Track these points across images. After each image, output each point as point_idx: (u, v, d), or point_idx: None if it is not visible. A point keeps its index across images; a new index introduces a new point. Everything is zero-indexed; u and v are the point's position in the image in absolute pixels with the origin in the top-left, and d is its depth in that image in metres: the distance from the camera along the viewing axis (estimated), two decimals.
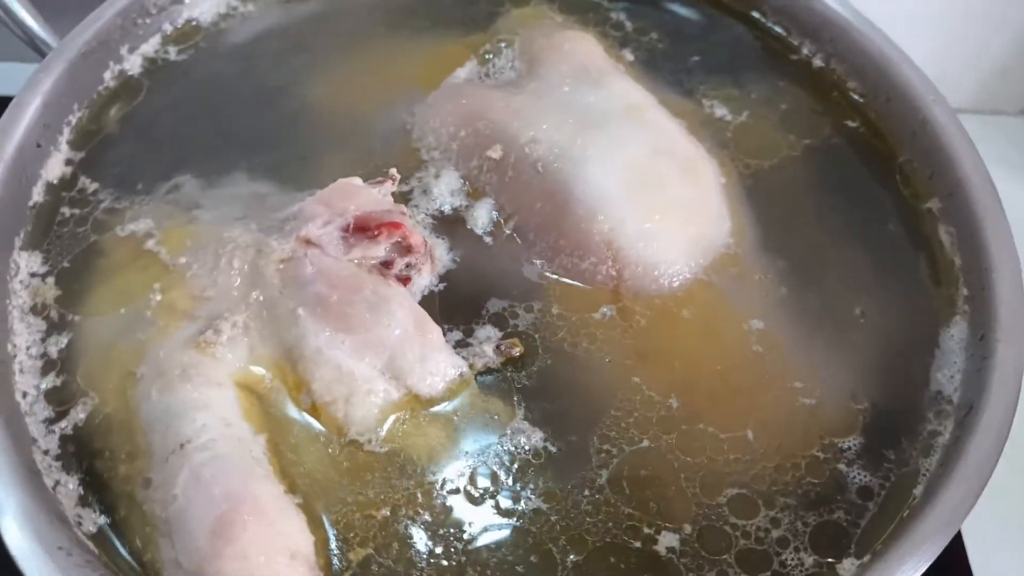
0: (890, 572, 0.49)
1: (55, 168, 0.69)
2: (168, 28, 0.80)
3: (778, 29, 0.83)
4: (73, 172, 0.70)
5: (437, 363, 0.58)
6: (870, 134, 0.76)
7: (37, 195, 0.68)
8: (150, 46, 0.79)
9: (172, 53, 0.79)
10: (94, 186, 0.69)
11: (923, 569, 0.49)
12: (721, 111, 0.78)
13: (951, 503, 0.52)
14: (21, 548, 0.47)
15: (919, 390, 0.61)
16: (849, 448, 0.59)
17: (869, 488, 0.57)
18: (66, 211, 0.68)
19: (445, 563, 0.53)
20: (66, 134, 0.71)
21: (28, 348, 0.60)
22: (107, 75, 0.75)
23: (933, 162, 0.72)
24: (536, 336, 0.62)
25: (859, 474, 0.57)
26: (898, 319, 0.66)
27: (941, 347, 0.64)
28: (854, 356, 0.63)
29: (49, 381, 0.59)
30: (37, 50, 0.74)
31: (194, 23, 0.81)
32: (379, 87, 0.78)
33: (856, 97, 0.79)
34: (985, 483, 0.52)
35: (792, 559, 0.54)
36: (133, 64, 0.77)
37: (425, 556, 0.53)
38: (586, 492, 0.56)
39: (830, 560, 0.54)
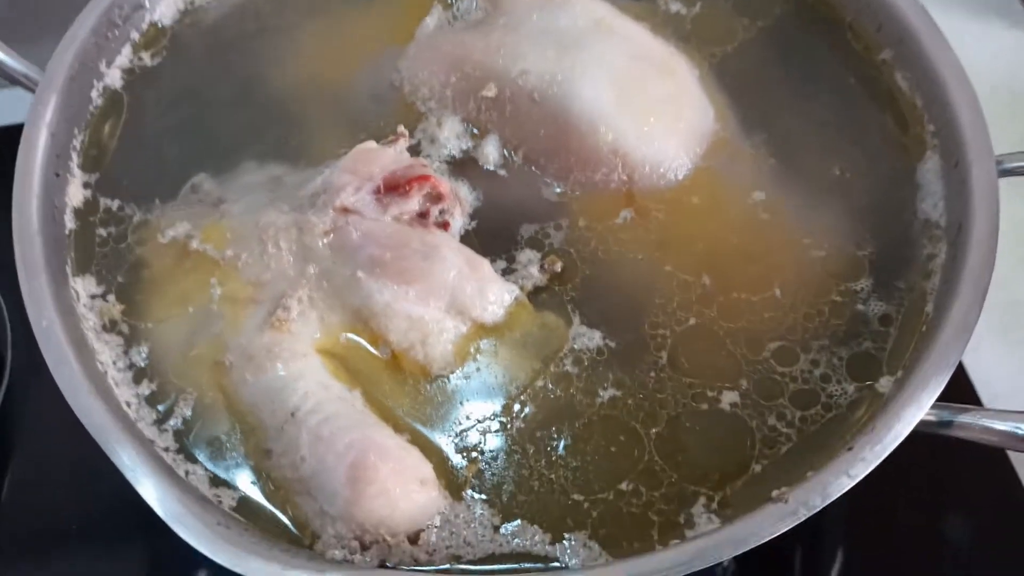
0: (926, 378, 0.58)
1: (76, 194, 0.72)
2: (135, 36, 0.81)
3: None
4: (93, 194, 0.73)
5: (493, 292, 0.64)
6: (816, 1, 0.82)
7: (70, 223, 0.70)
8: (124, 57, 0.80)
9: (146, 59, 0.81)
10: (116, 203, 0.72)
11: (951, 370, 0.58)
12: (676, 6, 0.83)
13: (961, 311, 0.60)
14: (188, 532, 0.53)
15: (910, 223, 0.69)
16: (862, 289, 0.66)
17: (887, 315, 0.65)
18: (102, 232, 0.70)
19: (547, 459, 0.60)
20: (75, 159, 0.73)
21: (114, 363, 0.64)
22: (94, 94, 0.77)
23: (878, 15, 0.78)
24: (571, 250, 0.68)
25: (876, 306, 0.66)
26: (877, 165, 0.73)
27: (920, 181, 0.71)
28: (848, 207, 0.71)
29: (144, 388, 0.63)
30: (22, 85, 0.75)
31: (158, 25, 0.82)
32: (354, 51, 0.81)
33: None
34: (986, 289, 0.61)
35: (836, 390, 0.62)
36: (114, 78, 0.79)
37: (529, 458, 0.60)
38: (651, 374, 0.63)
39: (868, 383, 0.62)
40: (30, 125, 0.70)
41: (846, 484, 0.53)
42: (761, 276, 0.67)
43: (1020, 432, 0.56)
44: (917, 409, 0.56)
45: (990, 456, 0.80)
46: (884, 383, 0.62)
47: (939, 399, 0.58)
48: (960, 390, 0.83)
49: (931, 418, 0.58)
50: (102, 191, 0.73)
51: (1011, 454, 0.80)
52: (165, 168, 0.75)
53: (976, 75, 0.72)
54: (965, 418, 0.58)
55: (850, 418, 0.61)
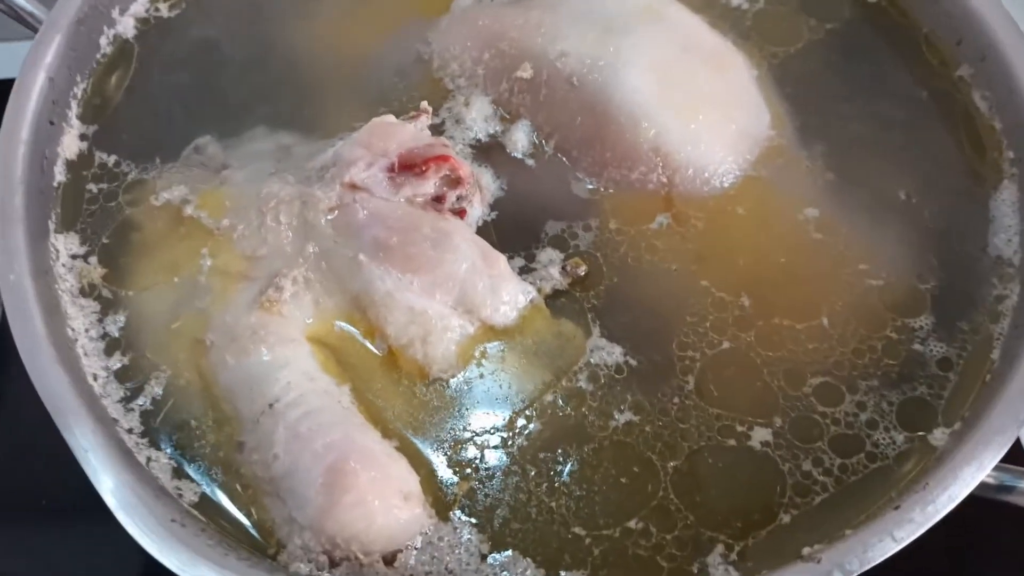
0: (990, 435, 0.50)
1: (71, 145, 0.67)
2: None
3: None
4: (89, 147, 0.67)
5: (507, 292, 0.58)
6: (891, 8, 0.75)
7: (60, 175, 0.65)
8: (140, 5, 0.75)
9: (163, 10, 0.75)
10: (112, 159, 0.67)
11: (1019, 430, 0.50)
12: (737, 0, 0.76)
13: None
14: (137, 527, 0.47)
15: (979, 259, 0.62)
16: (921, 328, 0.59)
17: (948, 359, 0.58)
18: (92, 188, 0.65)
19: (549, 484, 0.53)
20: (75, 109, 0.68)
21: (87, 331, 0.58)
22: (103, 41, 0.72)
23: (960, 28, 0.71)
24: (598, 255, 0.62)
25: (936, 347, 0.58)
26: (946, 191, 0.66)
27: (993, 213, 0.64)
28: (912, 235, 0.63)
29: (116, 361, 0.57)
30: (26, 24, 0.69)
31: None
32: (381, 20, 0.76)
33: None
34: None
35: (884, 439, 0.55)
36: (126, 27, 0.73)
37: (529, 481, 0.53)
38: (675, 400, 0.56)
39: (920, 433, 0.55)
40: (27, 66, 0.65)
41: (890, 548, 0.46)
42: (808, 302, 0.60)
43: None
44: (978, 469, 0.49)
45: None
46: (938, 435, 0.54)
47: None
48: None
49: (990, 480, 0.51)
50: (99, 145, 0.68)
51: None
52: (170, 126, 0.69)
53: None
54: None
55: (896, 472, 0.53)
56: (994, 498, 0.51)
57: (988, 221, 0.64)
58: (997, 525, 0.67)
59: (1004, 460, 0.51)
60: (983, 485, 0.50)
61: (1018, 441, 0.52)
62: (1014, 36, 0.67)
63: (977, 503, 0.50)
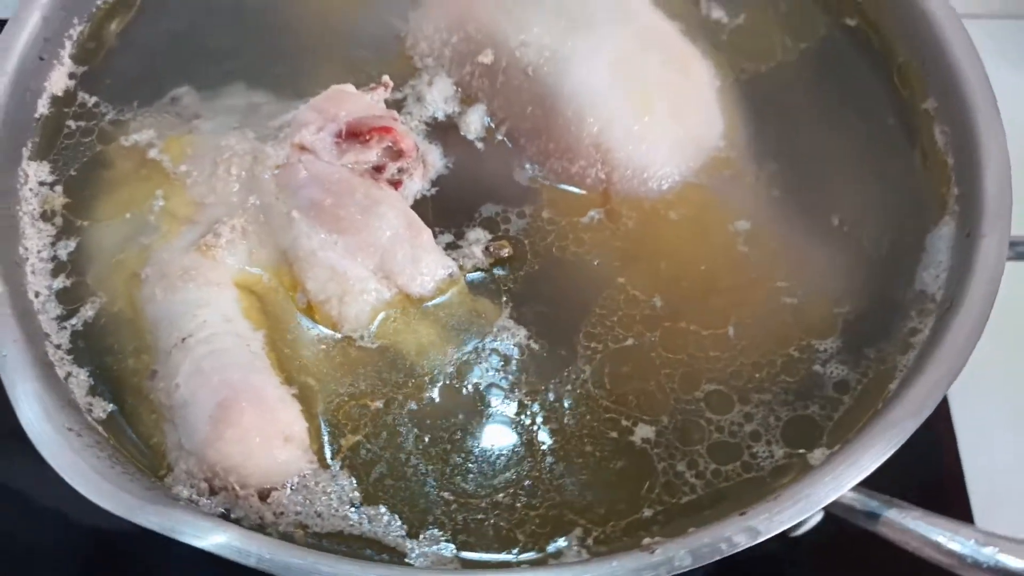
0: (857, 456, 0.51)
1: (59, 82, 0.71)
2: None
3: None
4: (75, 86, 0.72)
5: (427, 263, 0.60)
6: (869, 33, 0.75)
7: (43, 107, 0.69)
8: None
9: None
10: (93, 99, 0.71)
11: (889, 453, 0.51)
12: (718, 13, 0.76)
13: (922, 392, 0.53)
14: (35, 429, 0.51)
15: (903, 290, 0.62)
16: (826, 350, 0.59)
17: (846, 382, 0.58)
18: (72, 124, 0.69)
19: (431, 450, 0.56)
20: (68, 48, 0.72)
21: (39, 251, 0.63)
22: None
23: (937, 61, 0.70)
24: (526, 241, 0.64)
25: (836, 370, 0.59)
26: (888, 222, 0.66)
27: (928, 247, 0.64)
28: (841, 259, 0.64)
29: (59, 282, 0.62)
30: None
31: None
32: None
33: None
34: (957, 374, 0.53)
35: (763, 451, 0.56)
36: None
37: (412, 443, 0.56)
38: (568, 387, 0.58)
39: (801, 451, 0.56)
40: (23, 4, 0.69)
41: (721, 551, 0.47)
42: (718, 311, 0.61)
43: (945, 544, 0.49)
44: (834, 489, 0.50)
45: None
46: (818, 455, 0.55)
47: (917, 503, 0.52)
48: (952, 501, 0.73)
49: (855, 505, 0.51)
50: (84, 85, 0.72)
51: None
52: (154, 74, 0.73)
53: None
54: (892, 513, 0.51)
55: (769, 484, 0.54)
56: (861, 526, 0.52)
57: (920, 254, 0.63)
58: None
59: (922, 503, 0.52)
60: (849, 510, 0.51)
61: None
62: (978, 75, 0.67)
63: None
